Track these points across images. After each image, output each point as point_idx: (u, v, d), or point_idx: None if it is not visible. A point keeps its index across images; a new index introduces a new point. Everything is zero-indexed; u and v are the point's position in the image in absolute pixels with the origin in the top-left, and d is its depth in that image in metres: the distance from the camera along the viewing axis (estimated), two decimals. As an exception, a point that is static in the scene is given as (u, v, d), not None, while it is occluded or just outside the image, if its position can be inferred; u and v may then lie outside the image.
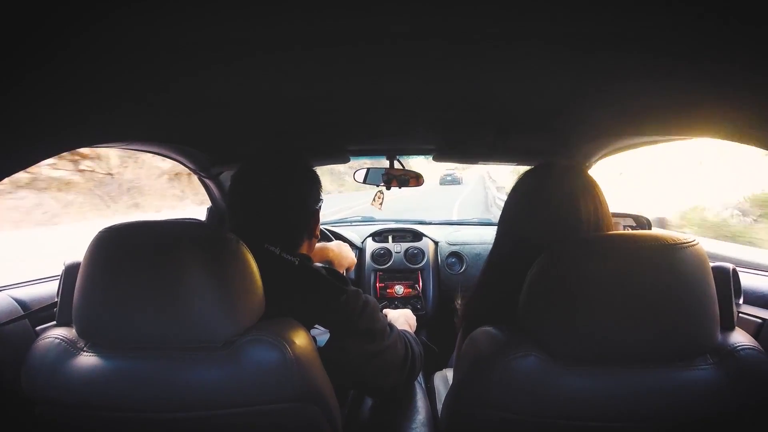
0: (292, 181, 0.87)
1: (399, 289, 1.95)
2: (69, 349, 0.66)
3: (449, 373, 1.35)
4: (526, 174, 0.86)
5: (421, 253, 2.01)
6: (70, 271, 0.76)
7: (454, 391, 0.74)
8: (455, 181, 24.67)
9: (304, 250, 0.91)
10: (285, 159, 0.89)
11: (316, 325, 0.79)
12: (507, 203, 0.87)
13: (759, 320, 0.88)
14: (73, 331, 0.67)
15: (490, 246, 2.09)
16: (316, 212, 0.92)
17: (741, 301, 0.82)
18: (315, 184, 0.91)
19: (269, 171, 0.86)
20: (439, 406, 1.15)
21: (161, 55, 0.67)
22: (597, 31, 0.62)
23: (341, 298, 0.83)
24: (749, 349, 0.63)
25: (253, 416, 0.65)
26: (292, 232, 0.88)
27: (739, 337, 0.65)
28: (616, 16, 0.57)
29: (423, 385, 1.34)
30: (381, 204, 1.85)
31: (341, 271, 1.46)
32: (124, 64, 0.66)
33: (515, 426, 0.64)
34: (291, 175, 0.87)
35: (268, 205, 0.84)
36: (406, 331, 1.09)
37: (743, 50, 0.56)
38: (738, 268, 0.76)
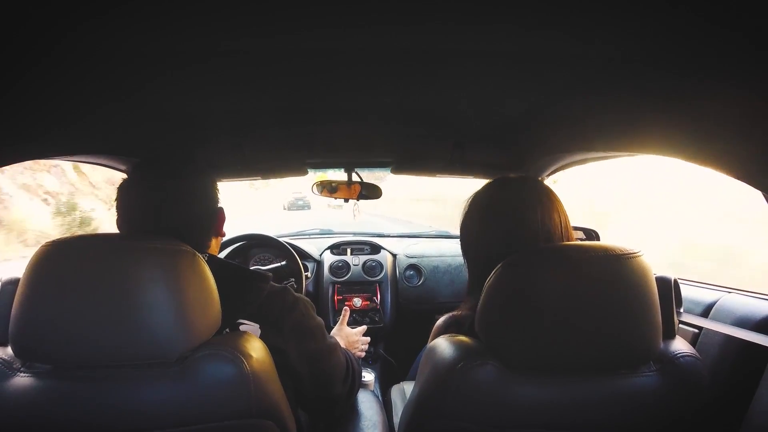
0: (194, 180, 0.85)
1: (357, 302, 1.93)
2: (3, 370, 0.60)
3: (406, 386, 1.34)
4: (482, 188, 0.87)
5: (379, 265, 2.00)
6: (6, 287, 0.70)
7: (411, 403, 0.73)
8: (306, 206, 19.71)
9: (212, 248, 0.89)
10: (181, 160, 0.86)
11: (243, 321, 0.77)
12: (465, 220, 0.87)
13: (696, 329, 0.93)
14: (9, 350, 0.62)
15: (448, 258, 2.13)
16: (221, 210, 0.90)
17: (681, 310, 0.86)
18: (214, 183, 0.90)
19: (168, 173, 0.82)
20: (396, 420, 1.13)
21: (122, 66, 0.65)
22: (545, 52, 0.65)
23: (263, 286, 0.81)
24: (688, 356, 0.66)
25: None
26: (201, 232, 0.85)
27: (680, 345, 0.68)
28: (563, 38, 0.60)
29: (380, 398, 1.32)
30: (359, 211, 1.83)
31: None
32: (83, 75, 0.64)
33: None
34: (190, 174, 0.85)
35: (173, 206, 0.81)
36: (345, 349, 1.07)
37: (679, 71, 0.59)
38: (678, 279, 0.80)
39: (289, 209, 19.92)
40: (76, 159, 1.09)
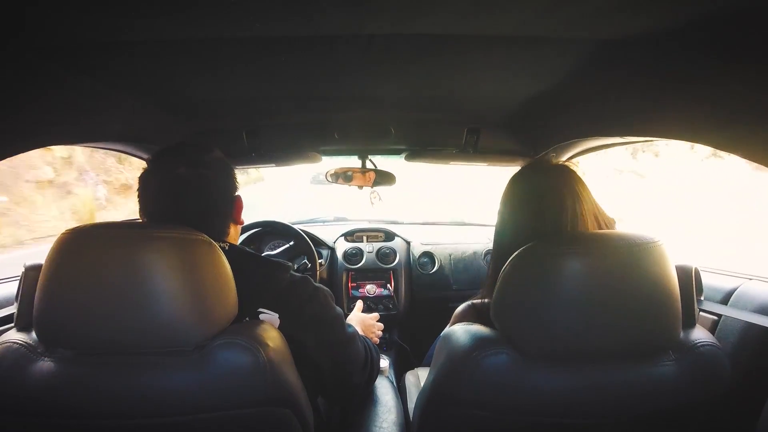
0: (211, 167, 0.84)
1: (371, 289, 1.93)
2: (28, 354, 0.62)
3: (421, 372, 1.35)
4: (515, 175, 0.85)
5: (393, 252, 2.00)
6: (30, 273, 0.72)
7: (426, 390, 0.74)
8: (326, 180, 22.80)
9: (231, 236, 0.90)
10: (199, 149, 0.86)
11: (262, 309, 0.78)
12: (501, 206, 0.85)
13: (715, 317, 0.92)
14: (33, 335, 0.64)
15: (462, 246, 2.11)
16: (238, 198, 0.90)
17: (702, 298, 0.85)
18: (231, 171, 0.90)
19: (186, 161, 0.82)
20: (410, 406, 1.15)
21: (140, 55, 0.66)
22: (562, 37, 0.63)
23: (283, 276, 0.82)
24: (708, 345, 0.65)
25: (224, 420, 0.63)
26: (219, 220, 0.86)
27: (699, 334, 0.68)
28: (580, 23, 0.58)
29: (395, 384, 1.34)
30: (379, 199, 1.83)
31: None
32: (105, 64, 0.67)
33: (486, 423, 0.64)
34: (207, 163, 0.84)
35: (191, 194, 0.81)
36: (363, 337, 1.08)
37: (699, 57, 0.58)
38: (699, 268, 0.78)
39: (312, 183, 20.89)
40: (100, 146, 1.11)
